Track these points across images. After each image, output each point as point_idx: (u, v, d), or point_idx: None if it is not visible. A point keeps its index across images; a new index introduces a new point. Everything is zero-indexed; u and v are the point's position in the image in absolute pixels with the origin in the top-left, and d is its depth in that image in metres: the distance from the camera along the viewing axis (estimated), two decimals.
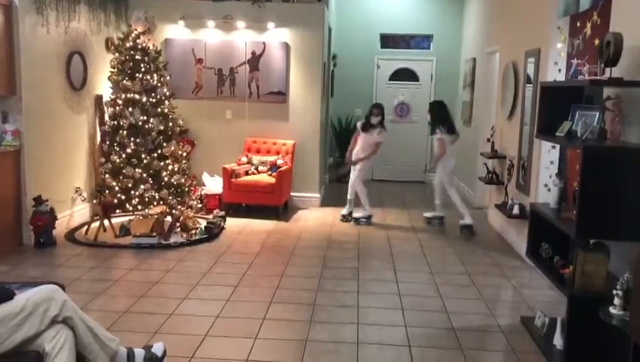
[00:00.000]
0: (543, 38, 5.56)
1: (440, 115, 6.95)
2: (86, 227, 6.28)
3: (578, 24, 4.88)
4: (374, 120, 7.08)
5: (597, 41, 4.20)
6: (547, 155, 5.44)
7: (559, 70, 5.26)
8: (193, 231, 6.27)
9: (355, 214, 7.28)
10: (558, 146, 5.22)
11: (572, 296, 3.42)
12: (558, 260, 3.86)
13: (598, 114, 3.66)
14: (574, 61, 4.85)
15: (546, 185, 5.34)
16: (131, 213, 6.54)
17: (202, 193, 7.51)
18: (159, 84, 6.50)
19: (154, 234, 5.99)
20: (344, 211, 7.35)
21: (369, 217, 7.26)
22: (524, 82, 6.18)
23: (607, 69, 3.52)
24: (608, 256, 3.36)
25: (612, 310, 3.01)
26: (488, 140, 7.36)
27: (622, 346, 3.03)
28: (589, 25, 4.62)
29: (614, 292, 3.02)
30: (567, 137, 3.82)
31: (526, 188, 5.94)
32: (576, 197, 3.38)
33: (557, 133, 3.92)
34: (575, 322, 3.42)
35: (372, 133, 7.07)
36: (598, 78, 3.61)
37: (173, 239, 6.03)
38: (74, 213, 6.58)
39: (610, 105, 3.67)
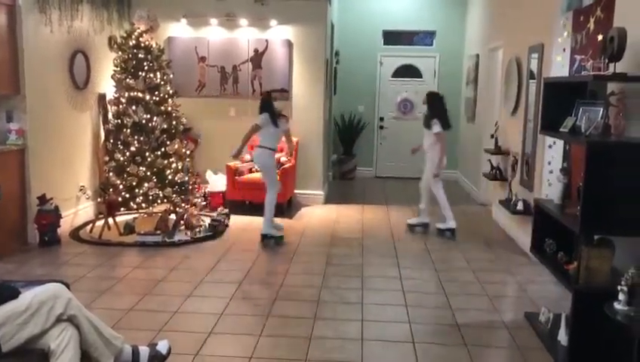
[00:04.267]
0: (547, 34, 5.55)
1: (440, 108, 6.43)
2: (90, 225, 6.32)
3: (581, 19, 4.86)
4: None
5: (600, 36, 4.18)
6: (550, 151, 5.43)
7: (562, 65, 5.25)
8: (197, 229, 6.29)
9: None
10: (561, 142, 5.21)
11: (576, 291, 3.41)
12: (563, 256, 3.85)
13: (602, 109, 3.64)
14: (578, 56, 4.83)
15: (548, 181, 5.33)
16: (136, 211, 6.55)
17: (206, 191, 7.52)
18: (162, 83, 6.50)
19: (158, 231, 6.01)
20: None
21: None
22: (527, 78, 6.16)
23: (611, 64, 3.50)
24: (613, 252, 3.35)
25: (617, 305, 3.00)
26: (492, 136, 7.35)
27: (626, 342, 3.03)
28: (592, 20, 4.60)
29: (619, 287, 3.01)
30: (571, 133, 3.81)
31: (530, 184, 5.93)
32: (580, 193, 3.37)
33: (561, 129, 3.91)
34: (579, 318, 3.41)
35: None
36: (602, 73, 3.60)
37: (177, 237, 6.05)
38: (78, 212, 6.60)
39: (614, 101, 3.65)
